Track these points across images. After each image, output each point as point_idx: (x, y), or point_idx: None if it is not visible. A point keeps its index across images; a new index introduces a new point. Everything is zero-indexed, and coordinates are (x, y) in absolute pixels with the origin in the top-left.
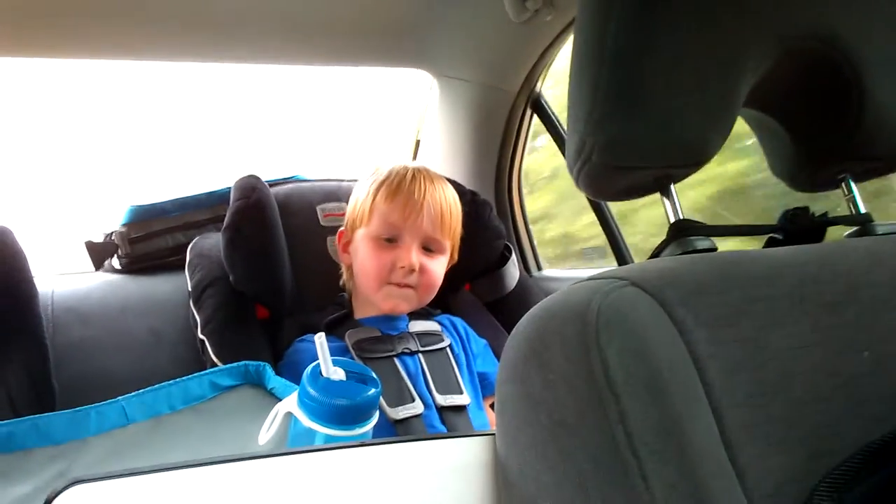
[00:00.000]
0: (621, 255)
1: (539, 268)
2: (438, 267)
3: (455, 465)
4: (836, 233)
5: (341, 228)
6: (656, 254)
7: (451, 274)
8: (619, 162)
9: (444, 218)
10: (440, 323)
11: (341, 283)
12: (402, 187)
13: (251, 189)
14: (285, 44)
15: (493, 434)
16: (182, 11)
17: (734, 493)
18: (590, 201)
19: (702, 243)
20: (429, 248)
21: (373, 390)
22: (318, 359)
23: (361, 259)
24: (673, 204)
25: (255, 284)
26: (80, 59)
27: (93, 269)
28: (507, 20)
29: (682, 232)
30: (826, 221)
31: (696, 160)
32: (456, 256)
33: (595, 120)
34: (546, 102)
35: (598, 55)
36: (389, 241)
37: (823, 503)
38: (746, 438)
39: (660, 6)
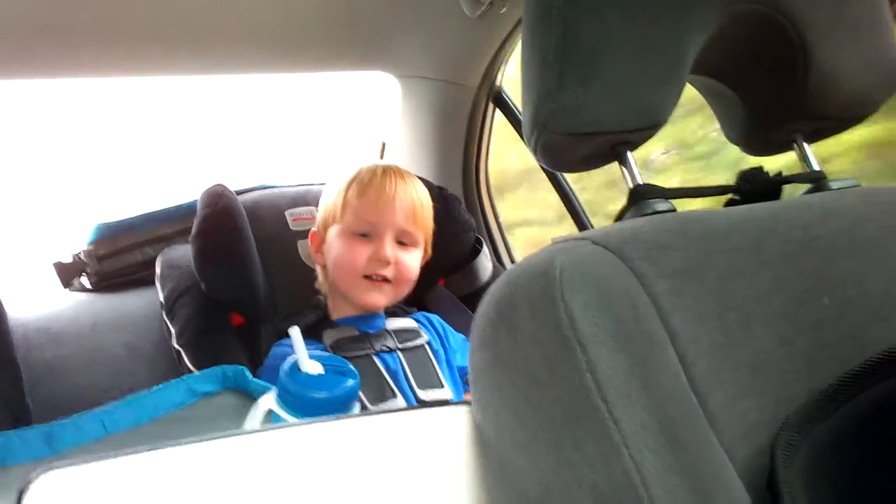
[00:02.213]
0: (581, 225)
1: (512, 260)
2: (413, 260)
3: (431, 435)
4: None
5: (313, 229)
6: (618, 219)
7: (424, 270)
8: (574, 129)
9: (416, 211)
10: (417, 321)
11: (316, 285)
12: (373, 182)
13: (218, 197)
14: (242, 54)
15: (469, 403)
16: (136, 26)
17: (704, 431)
18: (547, 174)
19: (661, 205)
20: (402, 242)
21: (351, 381)
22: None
23: (336, 255)
24: (630, 170)
25: (227, 291)
26: (37, 79)
27: (62, 289)
28: (462, 16)
29: (640, 196)
30: (781, 180)
31: (648, 124)
32: (430, 250)
33: (547, 89)
34: (507, 96)
35: (546, 24)
36: (364, 235)
37: (792, 439)
38: (715, 384)
39: None
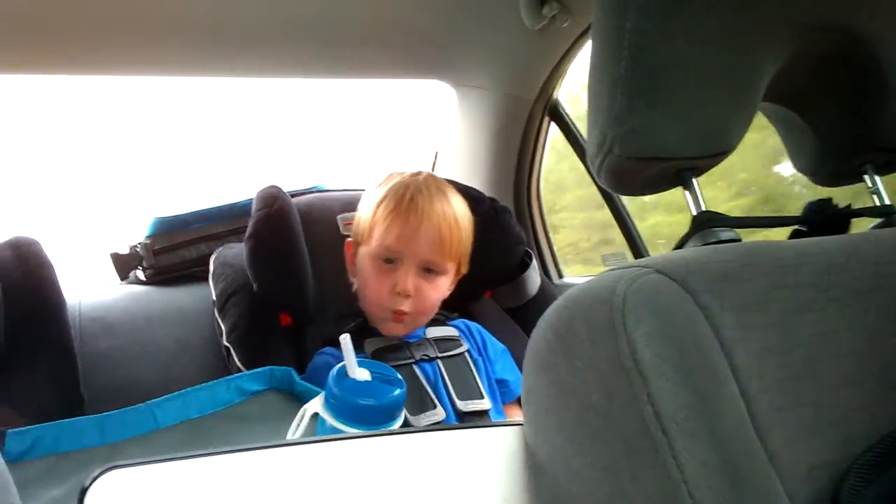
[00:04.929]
0: (637, 250)
1: (560, 275)
2: (436, 289)
3: (483, 455)
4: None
5: (349, 240)
6: (680, 245)
7: (471, 281)
8: (640, 154)
9: (444, 239)
10: (457, 328)
11: (353, 290)
12: (400, 208)
13: (273, 199)
14: (304, 57)
15: (521, 424)
16: (200, 27)
17: (765, 471)
18: (603, 195)
19: (725, 234)
20: (429, 269)
21: (398, 390)
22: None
23: (362, 279)
24: (695, 196)
25: (277, 292)
26: (97, 75)
27: (118, 280)
28: (523, 28)
29: (704, 223)
30: (850, 213)
31: (716, 151)
32: (465, 269)
33: (615, 112)
34: (563, 109)
35: (616, 47)
36: (388, 261)
37: (857, 485)
38: (777, 422)
39: None
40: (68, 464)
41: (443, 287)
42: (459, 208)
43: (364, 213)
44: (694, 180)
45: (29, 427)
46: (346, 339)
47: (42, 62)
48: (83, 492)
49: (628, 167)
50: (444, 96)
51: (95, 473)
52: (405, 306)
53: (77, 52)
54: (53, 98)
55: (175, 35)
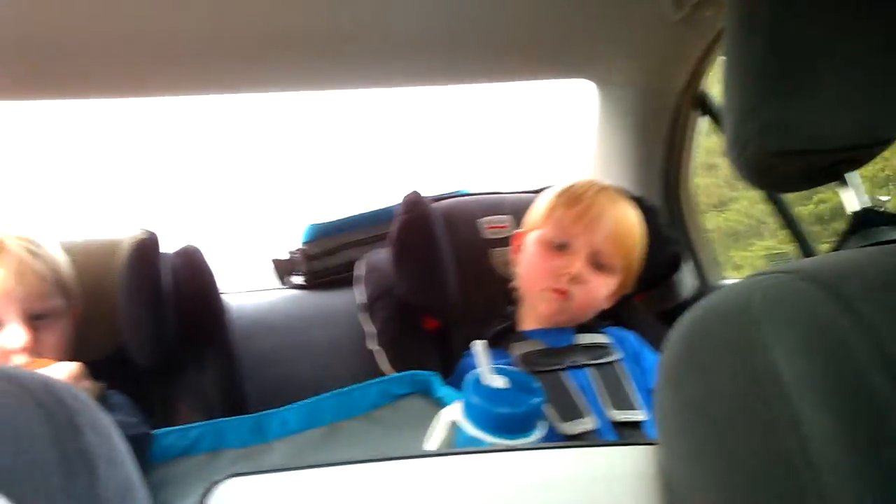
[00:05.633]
0: (805, 249)
1: (718, 277)
2: (601, 286)
3: (618, 474)
4: None
5: (518, 230)
6: (837, 247)
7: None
8: (780, 147)
9: (619, 236)
10: (609, 335)
11: (511, 286)
12: (583, 197)
13: (414, 204)
14: (451, 65)
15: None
16: (339, 38)
17: None
18: (765, 192)
19: (891, 234)
20: (599, 264)
21: (536, 399)
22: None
23: (528, 260)
24: (853, 192)
25: (420, 296)
26: (220, 93)
27: (278, 283)
28: (666, 20)
29: (865, 222)
30: None
31: (875, 140)
32: (628, 286)
33: (750, 105)
34: (713, 100)
35: (749, 32)
36: (559, 247)
37: None
38: None
39: None
40: (224, 461)
41: (606, 286)
42: (638, 220)
43: (542, 202)
44: (851, 174)
45: (191, 425)
46: (479, 346)
47: (151, 85)
48: (203, 497)
49: (767, 162)
50: (586, 95)
51: (215, 480)
52: (568, 286)
53: (188, 74)
54: (223, 115)
55: (321, 49)
